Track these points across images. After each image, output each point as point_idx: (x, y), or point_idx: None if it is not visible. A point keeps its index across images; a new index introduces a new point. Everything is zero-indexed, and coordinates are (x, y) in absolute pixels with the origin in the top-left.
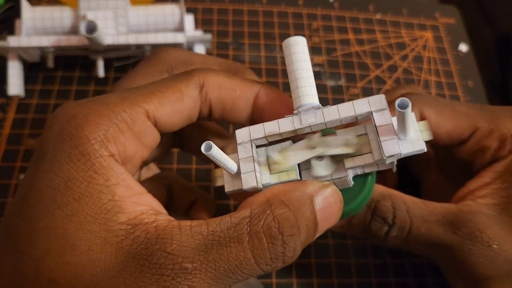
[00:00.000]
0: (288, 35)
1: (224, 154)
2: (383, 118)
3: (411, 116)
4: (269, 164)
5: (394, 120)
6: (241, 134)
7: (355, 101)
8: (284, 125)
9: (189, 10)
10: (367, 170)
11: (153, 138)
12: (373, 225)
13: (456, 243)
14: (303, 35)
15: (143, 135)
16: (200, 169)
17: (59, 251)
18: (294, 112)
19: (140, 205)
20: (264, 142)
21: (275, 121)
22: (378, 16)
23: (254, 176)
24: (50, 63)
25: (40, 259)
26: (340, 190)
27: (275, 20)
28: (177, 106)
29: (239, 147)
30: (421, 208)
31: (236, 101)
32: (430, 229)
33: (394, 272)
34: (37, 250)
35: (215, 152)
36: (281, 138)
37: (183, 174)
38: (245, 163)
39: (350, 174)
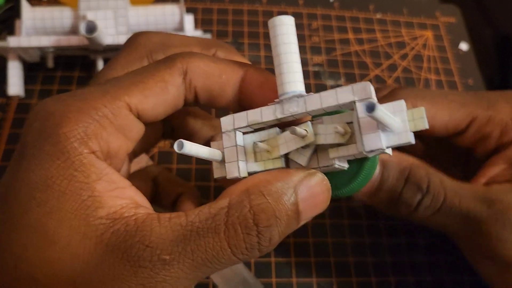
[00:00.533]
0: None
1: (201, 146)
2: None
3: (386, 114)
4: (255, 152)
5: (384, 107)
6: (225, 122)
7: (338, 89)
8: (267, 114)
9: (189, 10)
10: (359, 156)
11: (138, 130)
12: (406, 192)
13: (490, 217)
14: (303, 35)
15: (127, 129)
16: (200, 169)
17: (39, 248)
18: (277, 100)
19: (120, 199)
20: (250, 129)
21: (258, 109)
22: (378, 16)
23: (237, 166)
24: (50, 63)
25: (20, 256)
26: (336, 172)
27: None
28: (161, 97)
29: (223, 136)
30: (455, 183)
31: (222, 87)
32: (463, 202)
33: (393, 271)
34: (17, 248)
35: (188, 149)
36: (266, 126)
37: (183, 174)
38: (229, 152)
39: (339, 161)
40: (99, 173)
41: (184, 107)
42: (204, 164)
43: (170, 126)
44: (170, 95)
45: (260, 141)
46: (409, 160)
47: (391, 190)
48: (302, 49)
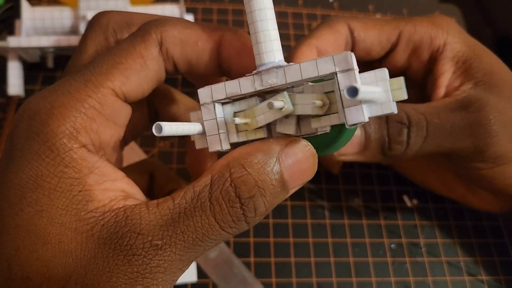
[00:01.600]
0: (288, 35)
1: (180, 124)
2: (349, 80)
3: (368, 93)
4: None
5: (364, 78)
6: (203, 93)
7: (319, 60)
8: (245, 86)
9: (189, 10)
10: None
11: (126, 114)
12: (392, 132)
13: (471, 118)
14: (303, 35)
15: (116, 115)
16: None
17: (31, 247)
18: (255, 71)
19: (110, 191)
20: (229, 100)
21: (236, 80)
22: (378, 16)
23: (219, 139)
24: (50, 63)
25: (12, 257)
26: (319, 134)
27: None
28: (142, 74)
29: (202, 108)
30: (426, 105)
31: (200, 55)
32: (442, 117)
33: (394, 272)
34: (8, 249)
35: (168, 130)
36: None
37: (183, 174)
38: (209, 125)
39: (321, 128)
40: (90, 166)
41: (169, 90)
42: None
43: (154, 111)
44: (151, 70)
45: (240, 111)
46: None
47: (379, 138)
48: None
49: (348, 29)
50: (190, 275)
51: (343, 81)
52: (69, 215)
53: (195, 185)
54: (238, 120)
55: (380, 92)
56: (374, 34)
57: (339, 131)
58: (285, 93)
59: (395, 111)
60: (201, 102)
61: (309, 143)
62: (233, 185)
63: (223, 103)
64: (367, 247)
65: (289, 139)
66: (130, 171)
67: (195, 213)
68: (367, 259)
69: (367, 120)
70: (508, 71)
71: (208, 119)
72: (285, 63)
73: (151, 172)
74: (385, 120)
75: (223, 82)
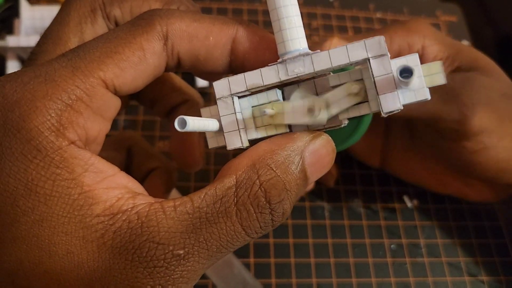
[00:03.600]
0: None
1: (202, 119)
2: (382, 66)
3: (419, 75)
4: (255, 117)
5: (395, 64)
6: (220, 86)
7: (349, 45)
8: (268, 75)
9: None
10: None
11: (115, 107)
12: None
13: (459, 81)
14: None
15: (104, 109)
16: (201, 170)
17: (35, 260)
18: (278, 60)
19: (113, 189)
20: (247, 93)
21: (258, 70)
22: (378, 15)
23: (239, 136)
24: None
25: (15, 272)
26: (333, 130)
27: None
28: (139, 68)
29: (218, 102)
30: None
31: (210, 50)
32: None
33: (394, 272)
34: (9, 263)
35: (191, 125)
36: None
37: (183, 174)
38: (227, 120)
39: (345, 121)
40: (83, 164)
41: (168, 76)
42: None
43: (150, 100)
44: (150, 65)
45: (258, 105)
46: None
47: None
48: None
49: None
50: None
51: (376, 67)
52: (73, 223)
53: (217, 187)
54: (268, 111)
55: (414, 78)
56: (443, 55)
57: (357, 123)
58: (319, 99)
59: (429, 97)
60: (217, 96)
61: (330, 138)
62: (263, 189)
63: (239, 97)
64: (367, 247)
65: (312, 134)
66: (106, 146)
67: (218, 219)
68: (367, 259)
69: (402, 107)
70: (491, 60)
71: (226, 114)
72: (311, 51)
73: (128, 147)
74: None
75: (243, 74)
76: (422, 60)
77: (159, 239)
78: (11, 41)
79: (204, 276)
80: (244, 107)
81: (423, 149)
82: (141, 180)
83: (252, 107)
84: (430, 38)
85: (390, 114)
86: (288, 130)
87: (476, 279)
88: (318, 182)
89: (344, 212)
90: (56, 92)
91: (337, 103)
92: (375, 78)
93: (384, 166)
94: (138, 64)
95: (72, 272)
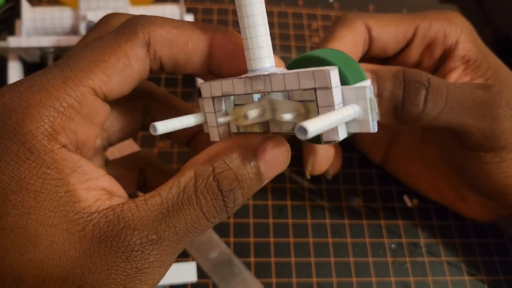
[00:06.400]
0: (288, 36)
1: (176, 119)
2: (326, 98)
3: (344, 118)
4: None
5: (344, 95)
6: (204, 88)
7: (300, 72)
8: (238, 86)
9: (189, 10)
10: None
11: (104, 113)
12: (409, 92)
13: (491, 97)
14: (303, 36)
15: (93, 115)
16: None
17: (21, 249)
18: (247, 74)
19: (92, 190)
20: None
21: (231, 80)
22: None
23: (217, 131)
24: (50, 64)
25: (2, 260)
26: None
27: (275, 20)
28: (125, 73)
29: (204, 100)
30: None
31: (189, 55)
32: (466, 91)
33: (394, 272)
34: None
35: (163, 129)
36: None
37: None
38: (209, 117)
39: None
40: (72, 166)
41: (166, 96)
42: None
43: (151, 119)
44: (134, 70)
45: (239, 104)
46: (392, 69)
47: (393, 97)
48: (302, 50)
49: (366, 28)
50: (190, 275)
51: (320, 98)
52: (58, 217)
53: (179, 180)
54: (221, 120)
55: (358, 111)
56: (391, 31)
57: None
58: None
59: (375, 130)
60: (202, 95)
61: (284, 139)
62: (216, 179)
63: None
64: (367, 247)
65: (266, 136)
66: (117, 165)
67: (183, 207)
68: (367, 259)
69: (340, 139)
70: (510, 71)
71: (208, 112)
72: (273, 70)
73: (141, 168)
74: (402, 77)
75: (220, 81)
76: (453, 54)
77: (134, 225)
78: (12, 41)
79: (204, 276)
80: (227, 105)
81: (429, 156)
82: None
83: (235, 105)
84: (466, 34)
85: (328, 143)
86: (261, 131)
87: (476, 278)
88: (319, 177)
89: (344, 211)
90: (49, 100)
91: (285, 113)
92: (318, 108)
93: (384, 163)
94: (123, 70)
95: (55, 260)
